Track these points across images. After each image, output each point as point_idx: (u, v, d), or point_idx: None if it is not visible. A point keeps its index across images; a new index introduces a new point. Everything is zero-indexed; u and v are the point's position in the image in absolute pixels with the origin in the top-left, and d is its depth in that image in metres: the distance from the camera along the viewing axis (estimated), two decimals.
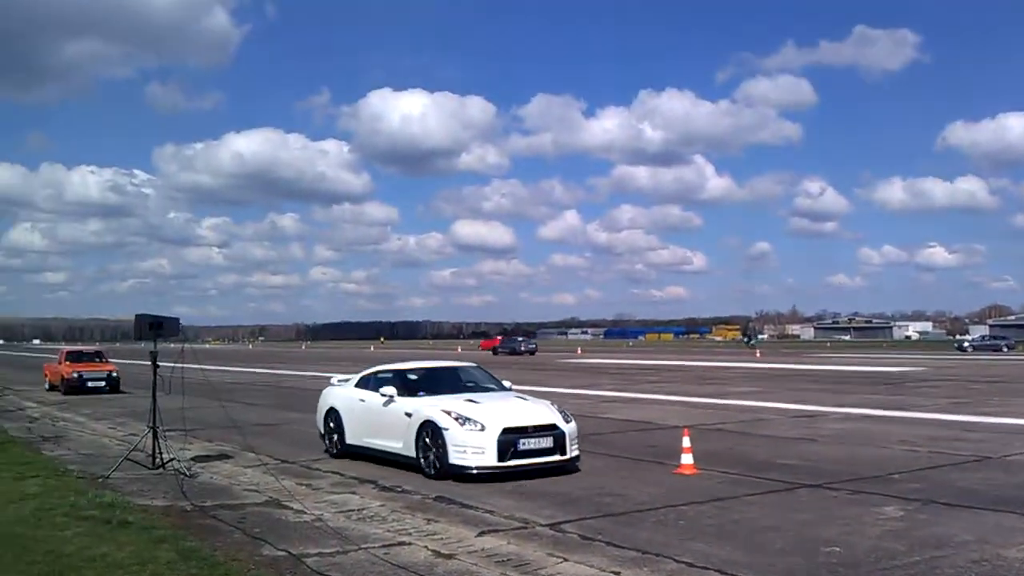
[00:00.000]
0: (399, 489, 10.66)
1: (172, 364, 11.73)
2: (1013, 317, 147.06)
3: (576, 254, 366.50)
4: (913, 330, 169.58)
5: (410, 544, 7.86)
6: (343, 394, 13.62)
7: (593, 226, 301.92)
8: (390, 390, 12.23)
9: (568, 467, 11.46)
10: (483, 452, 10.80)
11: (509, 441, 10.91)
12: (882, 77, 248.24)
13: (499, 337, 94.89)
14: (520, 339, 79.53)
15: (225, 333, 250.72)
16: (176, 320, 12.66)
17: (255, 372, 44.55)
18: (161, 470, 11.75)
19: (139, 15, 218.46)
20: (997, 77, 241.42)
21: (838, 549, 7.45)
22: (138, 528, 8.05)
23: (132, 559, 6.88)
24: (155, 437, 12.07)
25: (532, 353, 70.18)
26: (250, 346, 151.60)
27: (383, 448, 12.25)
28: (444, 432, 10.99)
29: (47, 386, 30.05)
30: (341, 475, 11.79)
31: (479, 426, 10.91)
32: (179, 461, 12.03)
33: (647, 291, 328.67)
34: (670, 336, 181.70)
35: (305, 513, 9.18)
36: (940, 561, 7.04)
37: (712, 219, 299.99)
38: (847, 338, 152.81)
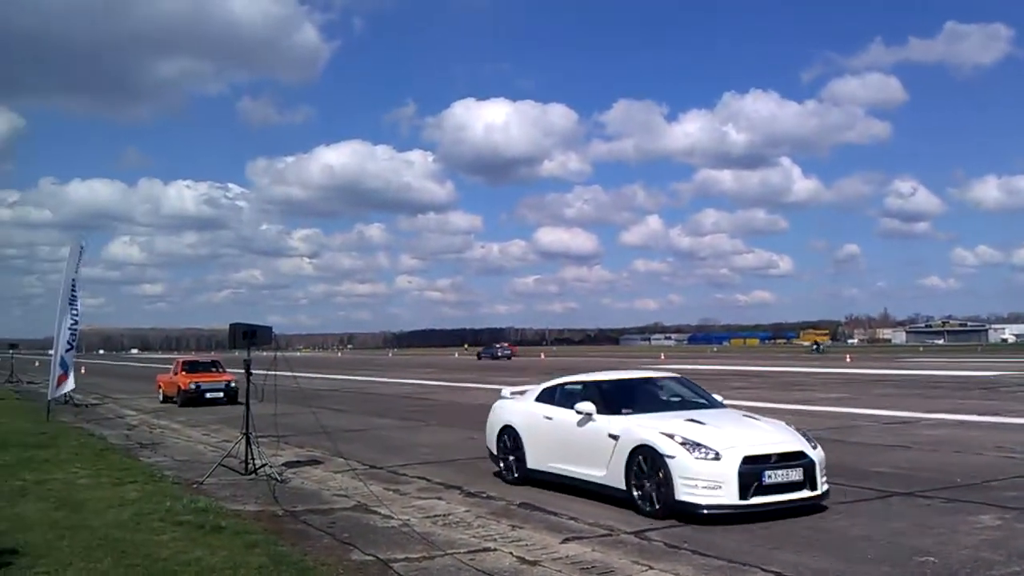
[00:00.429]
0: (484, 495, 10.75)
1: (265, 372, 12.04)
2: None
3: (659, 259, 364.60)
4: (1010, 333, 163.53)
5: (495, 550, 7.93)
6: (522, 409, 11.77)
7: (676, 231, 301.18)
8: (588, 406, 10.20)
9: (818, 506, 9.32)
10: (719, 487, 8.75)
11: (752, 473, 8.83)
12: (974, 73, 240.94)
13: (509, 343, 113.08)
14: (498, 347, 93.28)
15: (315, 341, 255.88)
16: (269, 329, 12.97)
17: (343, 379, 45.33)
18: (253, 476, 12.07)
19: (231, 33, 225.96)
20: None
21: (933, 559, 7.26)
22: (231, 533, 8.29)
23: (225, 563, 7.09)
24: (248, 443, 12.40)
25: (509, 359, 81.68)
26: (339, 354, 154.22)
27: (578, 475, 10.30)
28: (668, 460, 8.99)
29: (161, 398, 28.82)
30: (428, 480, 11.94)
31: (712, 453, 8.89)
32: (271, 467, 12.34)
33: (732, 296, 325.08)
34: (756, 341, 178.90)
35: (392, 518, 9.34)
36: None
37: (799, 222, 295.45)
38: (940, 342, 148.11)
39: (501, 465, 11.81)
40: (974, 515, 8.97)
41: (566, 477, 10.50)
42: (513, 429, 11.61)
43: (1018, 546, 7.66)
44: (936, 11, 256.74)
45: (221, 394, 26.65)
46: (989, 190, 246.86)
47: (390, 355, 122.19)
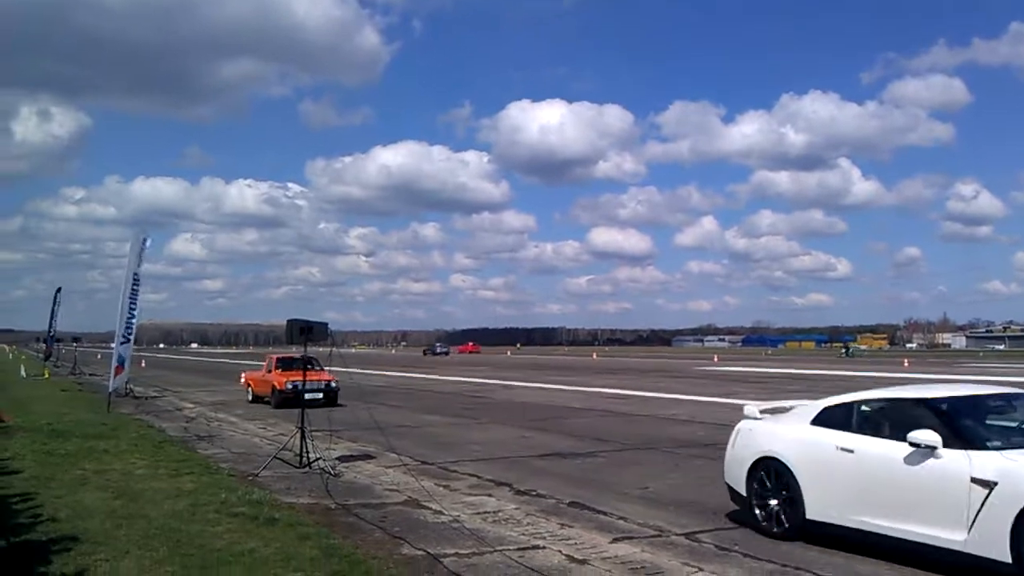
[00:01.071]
0: (534, 492, 10.76)
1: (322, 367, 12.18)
2: None
3: (713, 260, 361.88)
4: None
5: (544, 548, 7.93)
6: (794, 437, 8.48)
7: (731, 232, 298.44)
8: (930, 436, 6.96)
9: None
10: None
11: None
12: None
13: (470, 344, 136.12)
14: (438, 345, 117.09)
15: (370, 338, 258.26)
16: (325, 325, 13.12)
17: (397, 376, 45.67)
18: (308, 469, 12.22)
19: (295, 37, 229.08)
20: None
21: None
22: (284, 525, 8.41)
23: (278, 555, 7.19)
24: (303, 437, 12.55)
25: (446, 355, 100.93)
26: (393, 351, 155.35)
27: (909, 535, 7.06)
28: None
29: (250, 397, 26.29)
30: (479, 477, 11.98)
31: None
32: (324, 461, 12.48)
33: (787, 298, 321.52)
34: (811, 344, 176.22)
35: (443, 514, 9.39)
36: None
37: (857, 224, 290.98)
38: (1001, 347, 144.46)
39: (757, 511, 8.58)
40: None
41: (884, 536, 7.31)
42: (779, 463, 8.39)
43: None
44: (1001, 12, 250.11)
45: (321, 395, 23.24)
46: None
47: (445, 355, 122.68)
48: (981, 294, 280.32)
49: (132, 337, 23.20)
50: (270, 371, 25.23)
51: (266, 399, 24.67)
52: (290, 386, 23.02)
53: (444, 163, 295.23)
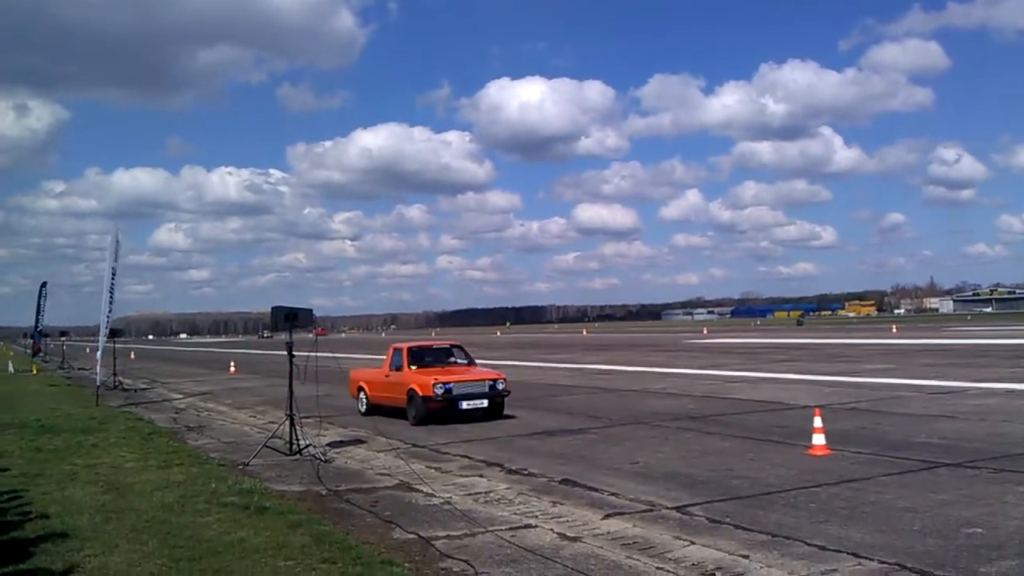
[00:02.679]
0: (525, 472, 10.76)
1: (307, 353, 12.12)
2: None
3: (699, 233, 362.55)
4: None
5: (536, 527, 7.94)
6: None
7: (716, 204, 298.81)
8: None
9: None
10: None
11: None
12: (1016, 36, 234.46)
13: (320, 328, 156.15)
14: (264, 330, 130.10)
15: (359, 322, 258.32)
16: (309, 311, 13.06)
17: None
18: (298, 456, 12.19)
19: (270, 21, 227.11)
20: None
21: (980, 531, 7.14)
22: (275, 513, 8.38)
23: (268, 543, 7.17)
24: (292, 424, 12.52)
25: (269, 339, 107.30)
26: (383, 335, 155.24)
27: None
28: None
29: (363, 407, 18.20)
30: (469, 458, 11.97)
31: None
32: (315, 447, 12.46)
33: (774, 268, 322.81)
34: (799, 314, 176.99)
35: (434, 496, 9.38)
36: None
37: (841, 192, 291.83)
38: (989, 310, 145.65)
39: None
40: (1023, 486, 8.80)
41: None
42: None
43: None
44: None
45: (484, 402, 16.00)
46: None
47: (432, 335, 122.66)
48: (967, 258, 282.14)
49: (107, 331, 23.19)
50: (399, 368, 17.01)
51: (394, 410, 16.98)
52: (440, 391, 15.56)
53: (426, 144, 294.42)
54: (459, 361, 17.60)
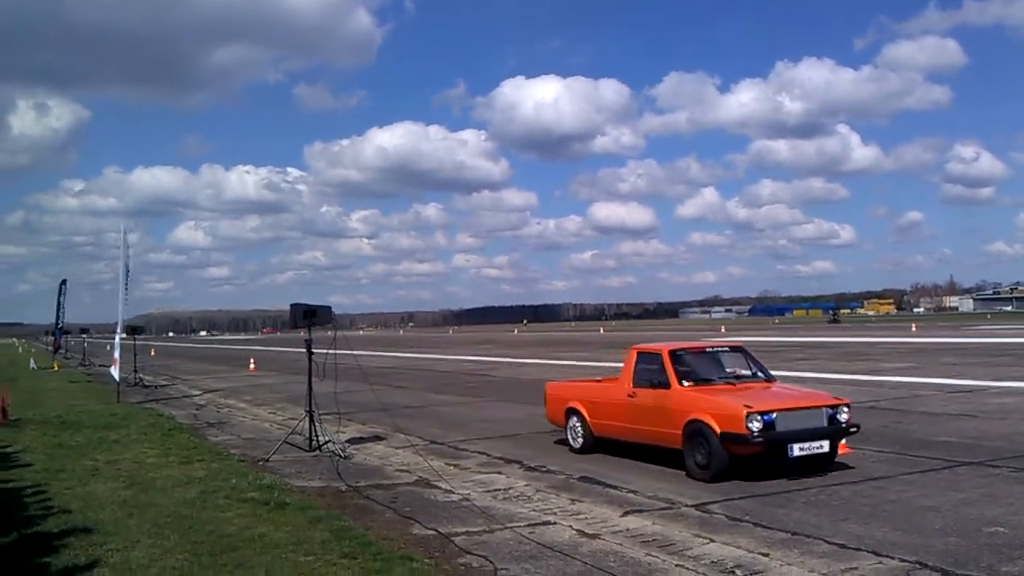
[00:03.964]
0: (544, 469, 10.76)
1: (325, 351, 12.18)
2: None
3: (716, 232, 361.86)
4: None
5: (555, 524, 7.94)
6: None
7: (732, 203, 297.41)
8: None
9: None
10: None
11: None
12: None
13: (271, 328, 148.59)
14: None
15: (376, 320, 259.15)
16: (328, 308, 13.11)
17: (405, 357, 45.71)
18: (318, 452, 12.24)
19: (287, 21, 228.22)
20: None
21: (1003, 529, 7.09)
22: (295, 509, 8.42)
23: (289, 539, 7.20)
24: (312, 421, 12.57)
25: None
26: (400, 332, 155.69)
27: None
28: None
29: (577, 440, 12.15)
30: (488, 455, 11.98)
31: None
32: (334, 443, 12.50)
33: (792, 267, 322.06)
34: (819, 312, 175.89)
35: (453, 493, 9.40)
36: None
37: (859, 190, 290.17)
38: (1009, 309, 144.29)
39: None
40: None
41: None
42: None
43: None
44: None
45: (824, 445, 9.80)
46: None
47: (450, 332, 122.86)
48: (986, 256, 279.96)
49: (123, 328, 23.35)
50: (657, 382, 10.65)
51: (640, 448, 11.06)
52: (758, 425, 9.43)
53: (441, 143, 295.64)
54: (749, 373, 11.15)
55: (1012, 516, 7.51)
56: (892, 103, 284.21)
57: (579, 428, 12.08)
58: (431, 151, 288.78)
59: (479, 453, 12.24)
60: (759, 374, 11.12)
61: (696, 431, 9.79)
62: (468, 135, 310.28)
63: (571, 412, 12.28)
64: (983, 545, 6.71)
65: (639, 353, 11.43)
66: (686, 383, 10.38)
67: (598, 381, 13.26)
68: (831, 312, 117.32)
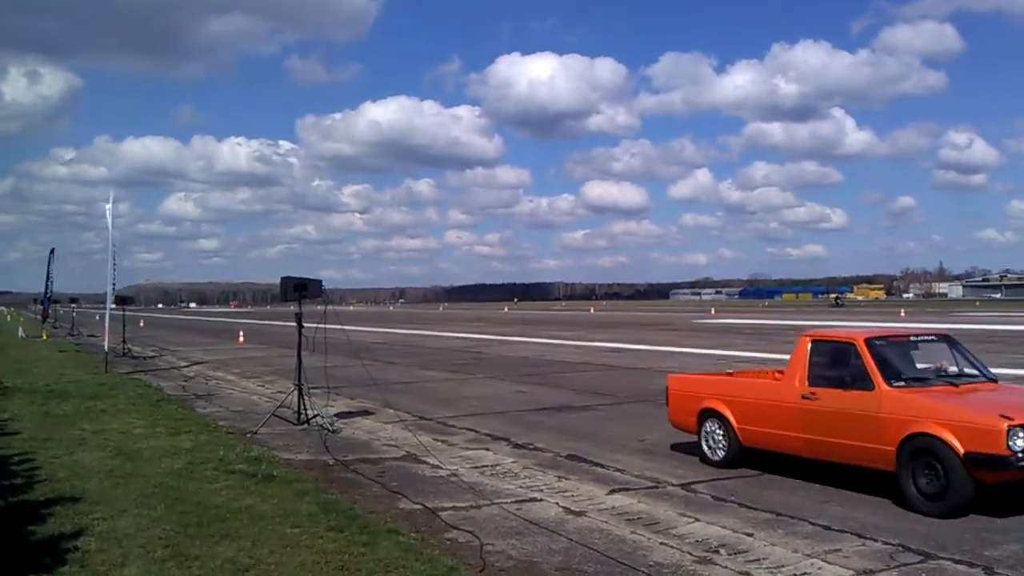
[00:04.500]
0: (531, 446, 10.79)
1: (316, 325, 12.15)
2: None
3: (708, 213, 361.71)
4: None
5: (541, 500, 7.98)
6: None
7: (725, 184, 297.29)
8: None
9: None
10: None
11: None
12: None
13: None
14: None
15: (367, 296, 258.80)
16: (319, 282, 13.08)
17: (395, 332, 45.71)
18: (306, 426, 12.24)
19: None
20: None
21: (985, 515, 7.13)
22: (282, 481, 8.43)
23: (275, 511, 7.21)
24: (300, 395, 12.57)
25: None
26: (391, 308, 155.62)
27: None
28: None
29: (717, 451, 9.58)
30: (476, 432, 12.00)
31: None
32: (323, 417, 12.51)
33: (783, 250, 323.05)
34: (808, 296, 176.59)
35: (441, 468, 9.42)
36: None
37: (852, 174, 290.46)
38: (998, 296, 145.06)
39: None
40: None
41: None
42: None
43: None
44: None
45: None
46: None
47: (440, 309, 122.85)
48: (977, 243, 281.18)
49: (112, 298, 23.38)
50: (848, 381, 8.23)
51: (812, 465, 8.67)
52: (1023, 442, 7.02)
53: (435, 118, 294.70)
54: (970, 372, 8.60)
55: (995, 502, 7.55)
56: (888, 87, 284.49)
57: (719, 435, 9.54)
58: (425, 127, 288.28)
59: (467, 429, 12.27)
60: (979, 372, 8.58)
61: (922, 449, 7.40)
62: (462, 111, 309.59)
63: (708, 414, 9.71)
64: (966, 529, 6.76)
65: (816, 341, 9.00)
66: (896, 383, 7.96)
67: (743, 375, 11.15)
68: (836, 296, 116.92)
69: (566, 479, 8.89)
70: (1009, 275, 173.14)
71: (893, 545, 6.36)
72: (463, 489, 8.43)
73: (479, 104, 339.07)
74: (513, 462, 9.85)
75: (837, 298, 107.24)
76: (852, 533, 6.69)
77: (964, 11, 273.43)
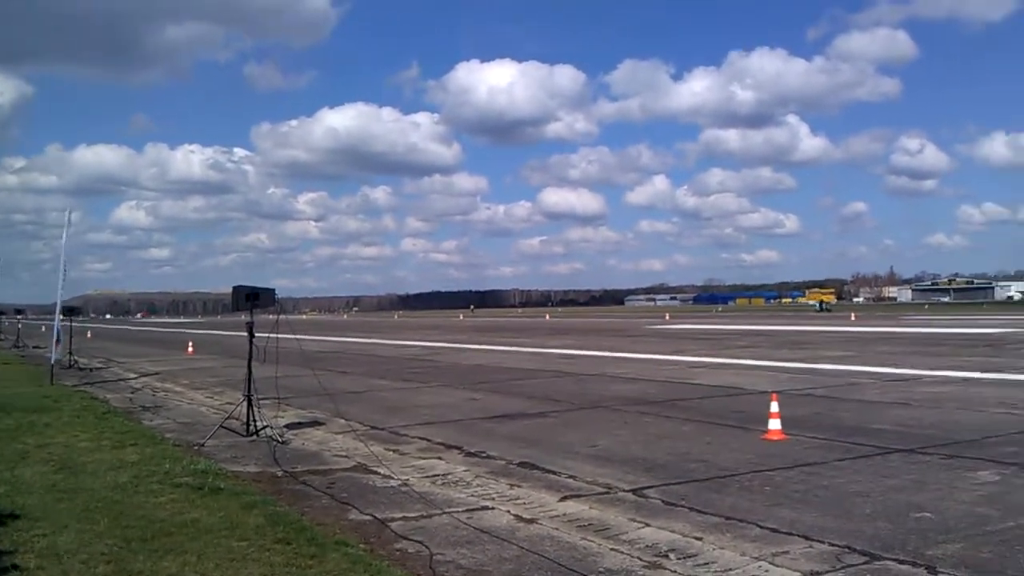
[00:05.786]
0: (484, 454, 10.75)
1: (267, 334, 12.00)
2: None
3: (664, 220, 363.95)
4: (1016, 290, 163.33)
5: (493, 508, 7.94)
6: None
7: (682, 191, 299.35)
8: None
9: None
10: None
11: None
12: (983, 29, 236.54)
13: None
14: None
15: (321, 304, 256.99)
16: (272, 291, 12.90)
17: (348, 341, 45.36)
18: (255, 437, 12.08)
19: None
20: None
21: (929, 515, 7.26)
22: (229, 494, 8.30)
23: (222, 524, 7.09)
24: (250, 405, 12.40)
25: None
26: (345, 316, 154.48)
27: None
28: None
29: None
30: (428, 441, 11.93)
31: None
32: (272, 428, 12.36)
33: (737, 255, 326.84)
34: (761, 301, 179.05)
35: (392, 478, 9.35)
36: None
37: (806, 180, 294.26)
38: (946, 300, 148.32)
39: None
40: (972, 471, 8.97)
41: None
42: None
43: (1015, 501, 7.67)
44: None
45: None
46: (997, 147, 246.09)
47: (395, 317, 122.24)
48: (926, 248, 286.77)
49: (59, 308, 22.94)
50: None
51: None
52: None
53: (394, 125, 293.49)
54: None
55: (939, 502, 7.69)
56: (842, 94, 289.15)
57: None
58: (383, 133, 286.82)
59: (420, 439, 12.19)
60: None
61: None
62: (421, 118, 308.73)
63: None
64: (910, 530, 6.86)
65: None
66: None
67: None
68: (821, 301, 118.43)
69: (518, 487, 8.87)
70: (957, 279, 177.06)
71: (839, 547, 6.43)
72: (414, 499, 8.37)
73: (438, 111, 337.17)
74: (465, 471, 9.80)
75: (822, 305, 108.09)
76: (799, 535, 6.75)
77: (917, 18, 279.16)
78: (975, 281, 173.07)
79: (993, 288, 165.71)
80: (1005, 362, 22.33)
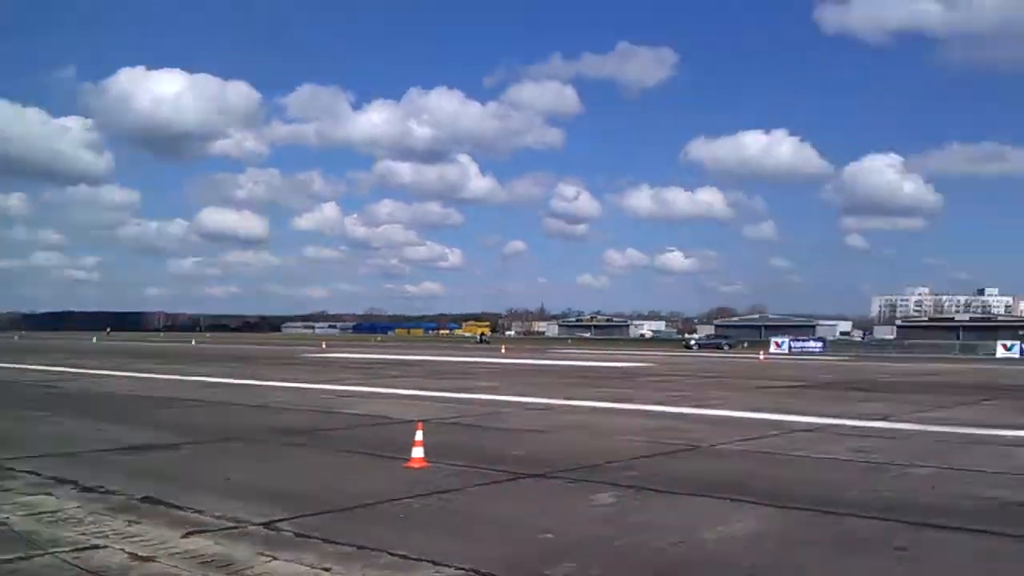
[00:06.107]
0: (102, 489, 9.79)
1: None
2: (736, 319, 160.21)
3: (331, 247, 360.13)
4: (647, 328, 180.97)
5: (106, 547, 7.23)
6: None
7: (351, 219, 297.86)
8: None
9: None
10: None
11: None
12: (640, 92, 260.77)
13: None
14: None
15: None
16: None
17: None
18: None
19: None
20: (739, 97, 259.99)
21: (551, 536, 7.60)
22: None
23: None
24: None
25: None
26: None
27: None
28: None
29: None
30: (39, 475, 10.69)
31: None
32: None
33: (401, 286, 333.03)
34: (420, 332, 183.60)
35: None
36: (644, 543, 7.37)
37: (473, 217, 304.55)
38: (588, 335, 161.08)
39: None
40: (594, 494, 9.57)
41: None
42: None
43: (629, 521, 8.26)
44: (609, 31, 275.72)
45: None
46: (642, 198, 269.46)
47: (16, 338, 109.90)
48: (574, 287, 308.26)
49: None
50: None
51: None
52: None
53: (39, 127, 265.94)
54: None
55: (560, 523, 8.10)
56: (512, 139, 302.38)
57: None
58: (24, 134, 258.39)
59: (29, 472, 10.88)
60: None
61: None
62: (72, 122, 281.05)
63: None
64: (532, 551, 7.13)
65: None
66: None
67: None
68: (481, 334, 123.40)
69: (137, 523, 8.15)
70: (599, 316, 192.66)
71: (465, 570, 6.53)
72: (13, 539, 7.42)
73: (92, 116, 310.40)
74: (78, 507, 8.86)
75: (687, 342, 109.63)
76: (428, 561, 6.76)
77: (583, 76, 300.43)
78: (614, 319, 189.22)
79: (628, 326, 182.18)
80: (633, 393, 24.43)
